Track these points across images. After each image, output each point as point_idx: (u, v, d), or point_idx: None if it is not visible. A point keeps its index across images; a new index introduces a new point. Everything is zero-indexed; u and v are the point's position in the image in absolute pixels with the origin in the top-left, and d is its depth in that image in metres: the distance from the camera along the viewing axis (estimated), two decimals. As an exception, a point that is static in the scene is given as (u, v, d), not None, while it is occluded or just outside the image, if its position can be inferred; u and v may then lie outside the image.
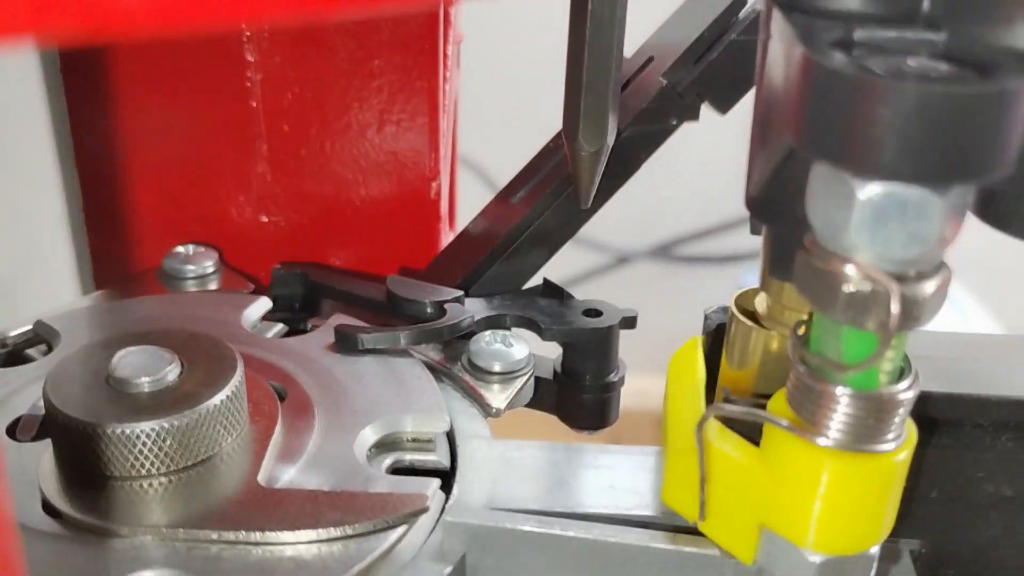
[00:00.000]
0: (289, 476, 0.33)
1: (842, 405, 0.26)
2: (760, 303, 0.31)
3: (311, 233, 0.48)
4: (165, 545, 0.30)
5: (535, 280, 0.45)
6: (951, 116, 0.21)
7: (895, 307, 0.23)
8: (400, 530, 0.30)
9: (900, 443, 0.26)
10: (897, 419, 0.26)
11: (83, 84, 0.46)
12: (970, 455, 0.33)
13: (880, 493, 0.27)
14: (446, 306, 0.41)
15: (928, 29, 0.23)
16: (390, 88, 0.45)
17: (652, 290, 1.23)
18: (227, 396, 0.33)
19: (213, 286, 0.46)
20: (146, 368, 0.33)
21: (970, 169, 0.21)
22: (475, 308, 0.42)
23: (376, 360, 0.39)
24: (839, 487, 0.26)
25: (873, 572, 0.28)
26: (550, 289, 0.44)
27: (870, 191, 0.22)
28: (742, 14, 0.41)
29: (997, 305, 1.02)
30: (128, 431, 0.31)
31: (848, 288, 0.23)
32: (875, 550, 0.28)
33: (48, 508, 0.32)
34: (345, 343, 0.39)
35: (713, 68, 0.41)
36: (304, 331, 0.43)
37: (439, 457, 0.34)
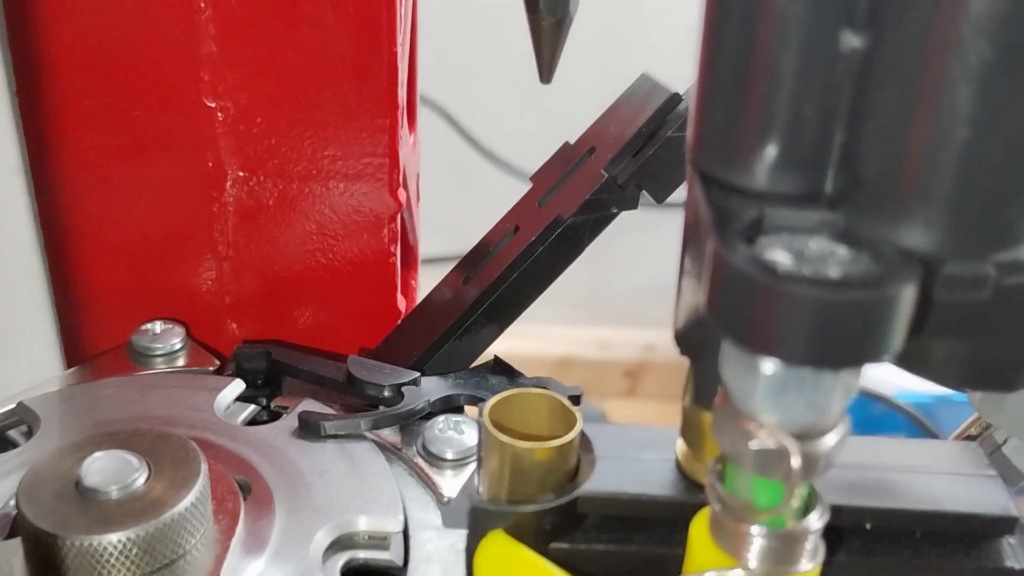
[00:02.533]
0: (249, 577, 0.35)
1: (756, 539, 0.28)
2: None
3: (273, 299, 0.50)
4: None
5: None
6: (839, 316, 0.23)
7: (795, 463, 0.25)
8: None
9: (816, 563, 0.29)
10: (809, 545, 0.29)
11: (46, 154, 0.47)
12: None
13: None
14: (403, 389, 0.43)
15: (830, 209, 0.26)
16: (347, 155, 0.47)
17: (620, 238, 1.25)
18: (191, 503, 0.35)
19: (181, 362, 0.48)
20: (115, 476, 0.35)
21: (859, 356, 0.24)
22: (430, 388, 0.44)
23: (338, 448, 0.41)
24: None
25: None
26: (500, 366, 0.46)
27: (772, 367, 0.25)
28: (680, 108, 0.43)
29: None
30: (95, 543, 0.33)
31: (755, 445, 0.26)
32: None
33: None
34: (308, 430, 0.42)
35: (650, 162, 0.43)
36: (269, 408, 0.45)
37: (392, 556, 0.37)
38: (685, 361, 0.32)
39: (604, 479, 0.32)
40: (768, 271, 0.23)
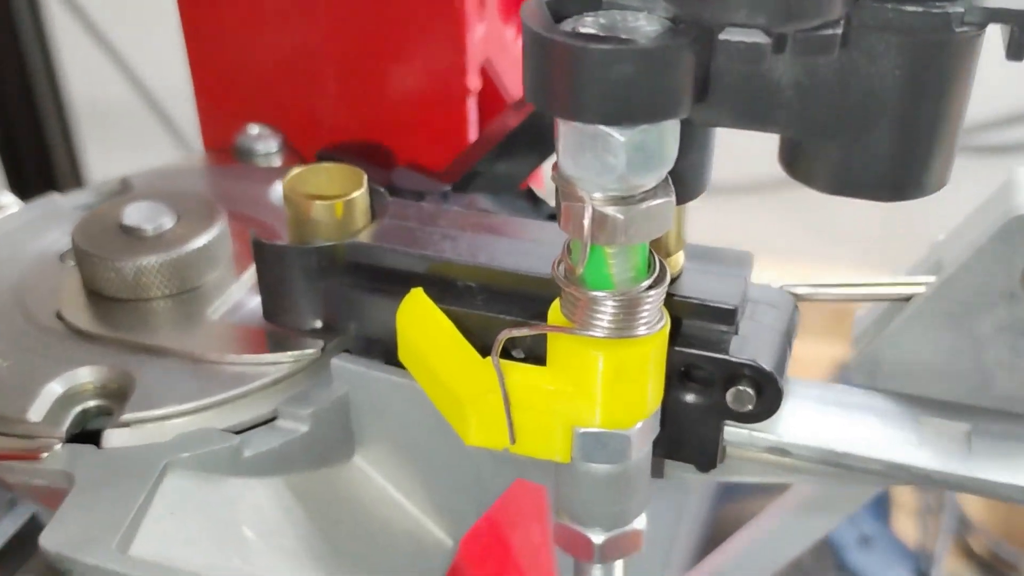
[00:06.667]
0: (243, 311, 0.42)
1: (595, 305, 0.30)
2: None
3: (362, 127, 0.56)
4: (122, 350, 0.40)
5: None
6: (613, 70, 0.25)
7: (587, 221, 0.28)
8: (293, 366, 0.38)
9: (652, 331, 0.31)
10: (645, 312, 0.31)
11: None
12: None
13: (640, 371, 0.32)
14: (428, 198, 0.48)
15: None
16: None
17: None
18: (205, 244, 0.42)
19: (277, 162, 0.55)
20: (148, 219, 0.42)
21: (640, 113, 0.26)
22: (454, 203, 0.49)
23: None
24: (611, 369, 0.31)
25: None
26: (529, 195, 0.50)
27: (568, 126, 0.27)
28: None
29: None
30: (127, 265, 0.41)
31: (564, 204, 0.29)
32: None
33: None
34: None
35: None
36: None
37: None
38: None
39: (373, 235, 0.38)
40: (557, 32, 0.26)
